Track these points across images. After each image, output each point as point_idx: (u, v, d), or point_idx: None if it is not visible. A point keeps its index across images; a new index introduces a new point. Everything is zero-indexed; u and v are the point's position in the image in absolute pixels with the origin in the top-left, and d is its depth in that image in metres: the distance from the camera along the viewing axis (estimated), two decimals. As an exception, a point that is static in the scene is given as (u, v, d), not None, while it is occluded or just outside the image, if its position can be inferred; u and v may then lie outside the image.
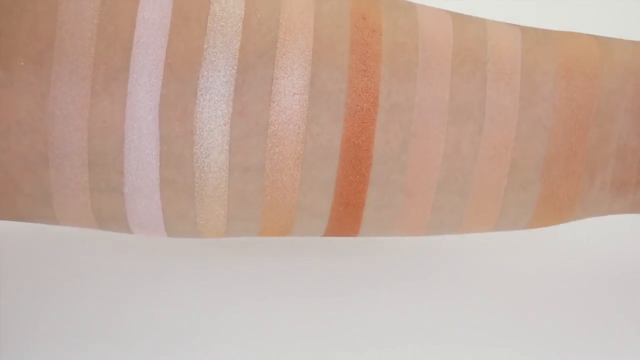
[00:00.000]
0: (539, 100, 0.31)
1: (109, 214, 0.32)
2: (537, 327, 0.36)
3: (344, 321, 0.36)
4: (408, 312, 0.37)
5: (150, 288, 0.38)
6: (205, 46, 0.30)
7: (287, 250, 0.40)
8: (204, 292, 0.38)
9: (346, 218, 0.32)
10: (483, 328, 0.36)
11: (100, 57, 0.30)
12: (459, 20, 0.32)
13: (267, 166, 0.31)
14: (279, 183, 0.31)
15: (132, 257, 0.39)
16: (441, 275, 0.39)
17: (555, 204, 0.32)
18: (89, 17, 0.30)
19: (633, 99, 0.32)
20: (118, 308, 0.37)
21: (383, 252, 0.40)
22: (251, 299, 0.37)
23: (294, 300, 0.37)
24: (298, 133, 0.31)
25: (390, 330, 0.36)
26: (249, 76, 0.30)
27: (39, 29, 0.30)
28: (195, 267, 0.39)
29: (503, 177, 0.32)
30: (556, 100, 0.31)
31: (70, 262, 0.39)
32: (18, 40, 0.30)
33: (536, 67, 0.32)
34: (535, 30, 0.33)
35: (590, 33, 0.33)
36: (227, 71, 0.30)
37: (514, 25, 0.33)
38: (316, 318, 0.37)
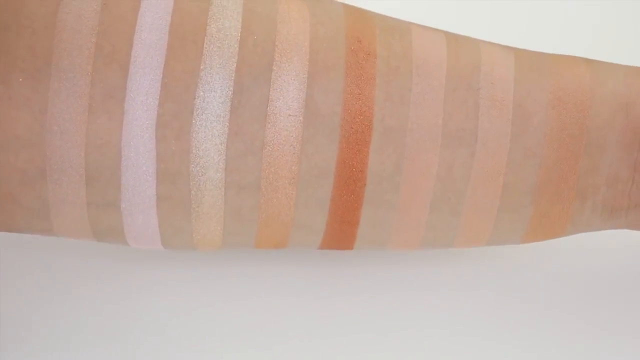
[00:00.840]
0: (530, 129, 0.32)
1: (106, 227, 0.33)
2: (538, 328, 0.37)
3: (344, 325, 0.37)
4: (408, 313, 0.37)
5: (147, 291, 0.38)
6: (201, 67, 0.30)
7: (286, 254, 0.40)
8: (202, 293, 0.38)
9: (341, 234, 0.33)
10: (484, 329, 0.37)
11: (98, 75, 0.30)
12: (454, 43, 0.33)
13: (262, 185, 0.31)
14: (275, 201, 0.32)
15: (129, 260, 0.40)
16: (441, 277, 0.39)
17: (547, 224, 0.33)
18: (87, 35, 0.30)
19: (623, 132, 0.32)
20: (116, 311, 0.37)
21: (382, 256, 0.40)
22: (250, 300, 0.38)
23: (292, 302, 0.38)
24: (293, 153, 0.31)
25: (390, 332, 0.37)
26: (244, 97, 0.31)
27: (37, 46, 0.30)
28: (193, 269, 0.39)
29: (495, 199, 0.32)
30: (547, 130, 0.32)
31: (68, 265, 0.39)
32: (16, 57, 0.30)
33: (528, 97, 0.32)
34: (529, 55, 0.33)
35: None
36: (223, 92, 0.31)
37: (507, 48, 0.33)
38: (315, 321, 0.37)
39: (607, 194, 0.33)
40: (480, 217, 0.33)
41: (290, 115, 0.31)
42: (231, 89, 0.31)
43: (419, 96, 0.31)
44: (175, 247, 0.34)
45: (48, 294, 0.38)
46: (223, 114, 0.31)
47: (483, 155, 0.32)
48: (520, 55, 0.33)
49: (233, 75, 0.31)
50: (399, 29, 0.32)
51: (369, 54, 0.31)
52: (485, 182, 0.32)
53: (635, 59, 0.36)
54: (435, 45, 0.32)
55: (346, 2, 0.34)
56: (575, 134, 0.32)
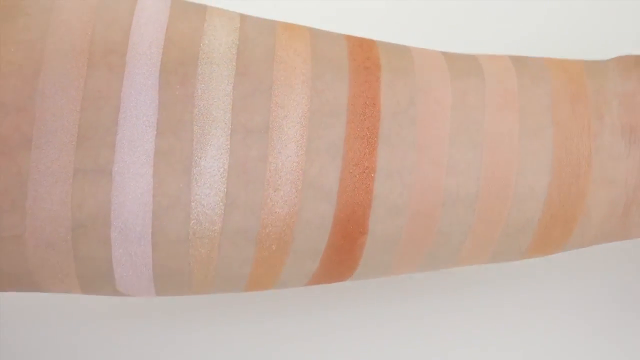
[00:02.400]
0: (529, 62, 0.33)
1: (91, 209, 0.29)
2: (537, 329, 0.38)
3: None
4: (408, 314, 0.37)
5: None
6: (205, 25, 0.31)
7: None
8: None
9: (356, 193, 0.30)
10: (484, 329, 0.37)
11: (98, 34, 0.30)
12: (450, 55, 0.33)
13: (270, 125, 0.30)
14: (283, 150, 0.30)
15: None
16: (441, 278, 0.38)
17: (572, 152, 0.31)
18: (86, 2, 0.30)
19: (617, 60, 0.33)
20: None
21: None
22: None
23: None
24: (302, 89, 0.30)
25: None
26: (250, 45, 0.31)
27: (33, 24, 0.30)
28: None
29: (515, 122, 0.31)
30: (547, 61, 0.33)
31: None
32: (9, 34, 0.29)
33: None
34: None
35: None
36: (228, 39, 0.30)
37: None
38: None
39: (620, 109, 0.32)
40: (502, 147, 0.31)
41: (298, 55, 0.31)
42: (237, 36, 0.31)
43: (418, 49, 0.33)
44: (166, 234, 0.30)
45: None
46: (229, 57, 0.30)
47: (493, 81, 0.32)
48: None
49: (238, 31, 0.31)
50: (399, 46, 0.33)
51: (371, 45, 0.32)
52: (501, 105, 0.31)
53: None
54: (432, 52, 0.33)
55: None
56: (574, 63, 0.33)
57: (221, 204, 0.30)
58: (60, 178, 0.29)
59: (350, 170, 0.30)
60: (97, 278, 0.31)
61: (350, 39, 0.32)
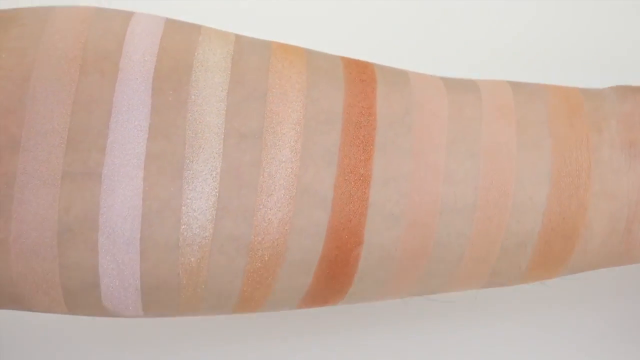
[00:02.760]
0: (525, 84, 0.33)
1: (78, 214, 0.28)
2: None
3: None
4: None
5: None
6: (200, 37, 0.31)
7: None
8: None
9: (351, 200, 0.29)
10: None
11: (92, 43, 0.30)
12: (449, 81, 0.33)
13: (264, 131, 0.29)
14: (278, 154, 0.29)
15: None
16: None
17: (571, 165, 0.31)
18: (84, 11, 0.30)
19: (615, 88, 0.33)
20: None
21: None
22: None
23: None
24: (298, 97, 0.30)
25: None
26: (246, 54, 0.30)
27: (26, 34, 0.30)
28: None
29: (512, 134, 0.31)
30: (545, 87, 0.33)
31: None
32: (4, 37, 0.29)
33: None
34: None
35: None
36: (223, 47, 0.30)
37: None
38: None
39: (619, 126, 0.31)
40: (500, 157, 0.30)
41: (293, 66, 0.30)
42: (232, 48, 0.31)
43: (415, 73, 0.32)
44: (156, 249, 0.29)
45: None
46: (224, 66, 0.30)
47: (489, 96, 0.31)
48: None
49: (233, 41, 0.31)
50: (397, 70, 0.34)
51: (366, 63, 0.32)
52: (499, 117, 0.31)
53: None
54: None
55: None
56: (571, 89, 0.33)
57: (212, 208, 0.29)
58: (48, 181, 0.28)
59: (346, 178, 0.29)
60: (82, 290, 0.30)
61: (345, 58, 0.32)
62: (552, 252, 0.31)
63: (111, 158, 0.28)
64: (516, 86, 0.33)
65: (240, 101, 0.29)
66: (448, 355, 0.38)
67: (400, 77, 0.32)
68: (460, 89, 0.32)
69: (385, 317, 0.39)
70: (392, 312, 0.38)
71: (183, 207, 0.29)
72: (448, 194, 0.30)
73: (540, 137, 0.31)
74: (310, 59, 0.31)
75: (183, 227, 0.29)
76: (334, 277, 0.30)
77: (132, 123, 0.29)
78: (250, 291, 0.30)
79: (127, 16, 0.31)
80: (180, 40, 0.30)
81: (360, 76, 0.31)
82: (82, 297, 0.30)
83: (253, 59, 0.30)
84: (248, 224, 0.29)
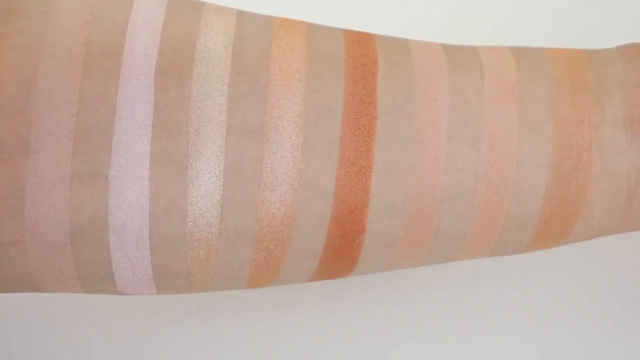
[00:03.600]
0: (530, 52, 0.33)
1: (88, 214, 0.29)
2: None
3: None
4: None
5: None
6: (201, 23, 0.31)
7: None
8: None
9: (352, 193, 0.30)
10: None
11: (94, 36, 0.30)
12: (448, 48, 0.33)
13: (266, 126, 0.29)
14: (279, 150, 0.29)
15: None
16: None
17: (572, 147, 0.31)
18: (84, 3, 0.30)
19: (621, 48, 0.33)
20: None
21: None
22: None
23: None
24: (298, 88, 0.30)
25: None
26: (247, 42, 0.30)
27: (31, 28, 0.30)
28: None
29: (513, 118, 0.31)
30: (548, 52, 0.32)
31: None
32: (7, 38, 0.29)
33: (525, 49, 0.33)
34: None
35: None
36: (225, 37, 0.30)
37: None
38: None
39: (623, 102, 0.31)
40: (501, 142, 0.30)
41: (294, 53, 0.30)
42: (232, 35, 0.30)
43: (417, 42, 0.32)
44: (164, 239, 0.30)
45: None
46: (225, 57, 0.30)
47: (492, 76, 0.31)
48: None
49: (234, 25, 0.31)
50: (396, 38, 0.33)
51: (368, 39, 0.32)
52: (500, 100, 0.31)
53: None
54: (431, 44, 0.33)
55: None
56: (576, 53, 0.32)
57: (217, 205, 0.30)
58: (58, 183, 0.29)
59: (347, 169, 0.30)
60: (98, 280, 0.31)
61: (348, 33, 0.32)
62: (551, 232, 0.32)
63: (117, 158, 0.29)
64: (519, 57, 0.32)
65: (241, 95, 0.30)
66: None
67: (402, 53, 0.32)
68: (462, 65, 0.32)
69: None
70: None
71: (189, 206, 0.29)
72: (449, 182, 0.30)
73: (542, 118, 0.31)
74: (311, 41, 0.31)
75: (190, 224, 0.30)
76: (339, 261, 0.31)
77: (135, 122, 0.29)
78: (258, 275, 0.31)
79: (129, 1, 0.31)
80: (182, 27, 0.30)
81: (362, 59, 0.31)
82: (98, 285, 0.31)
83: (254, 46, 0.30)
84: (253, 218, 0.30)
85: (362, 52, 0.31)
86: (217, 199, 0.30)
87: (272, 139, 0.30)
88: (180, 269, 0.31)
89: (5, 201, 0.29)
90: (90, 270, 0.30)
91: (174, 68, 0.30)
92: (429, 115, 0.30)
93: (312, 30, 0.32)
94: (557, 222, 0.32)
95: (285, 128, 0.30)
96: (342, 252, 0.31)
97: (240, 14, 0.32)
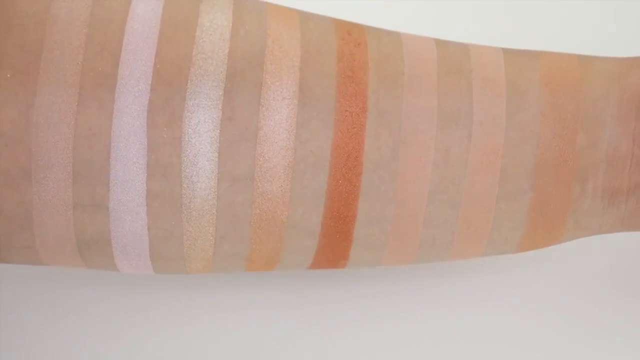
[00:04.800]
0: (525, 105, 0.31)
1: (93, 234, 0.31)
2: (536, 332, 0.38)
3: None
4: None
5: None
6: (193, 52, 0.30)
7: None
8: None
9: (337, 235, 0.32)
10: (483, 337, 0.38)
11: (88, 64, 0.30)
12: (441, 41, 0.33)
13: (256, 174, 0.31)
14: (269, 194, 0.31)
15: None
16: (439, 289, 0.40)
17: (547, 215, 0.32)
18: (78, 27, 0.30)
19: (619, 105, 0.32)
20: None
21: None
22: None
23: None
24: (288, 139, 0.30)
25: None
26: (237, 80, 0.30)
27: (27, 42, 0.30)
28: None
29: (494, 184, 0.31)
30: (542, 106, 0.32)
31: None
32: (5, 54, 0.30)
33: (520, 75, 0.32)
34: (515, 49, 0.33)
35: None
36: (216, 75, 0.30)
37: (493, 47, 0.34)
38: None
39: (607, 173, 0.32)
40: (479, 208, 0.32)
41: (284, 98, 0.31)
42: (224, 72, 0.30)
43: (412, 79, 0.31)
44: (163, 260, 0.32)
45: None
46: (216, 98, 0.30)
47: (480, 136, 0.31)
48: (507, 50, 0.33)
49: (226, 59, 0.30)
50: (386, 29, 0.33)
51: (359, 44, 0.31)
52: (483, 165, 0.31)
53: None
54: (423, 39, 0.33)
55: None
56: (570, 110, 0.31)
57: (211, 238, 0.32)
58: (61, 210, 0.31)
59: (332, 217, 0.31)
60: (103, 267, 0.33)
61: (341, 67, 0.31)
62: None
63: (115, 194, 0.31)
64: (512, 106, 0.32)
65: (231, 142, 0.30)
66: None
67: (393, 96, 0.31)
68: (452, 119, 0.31)
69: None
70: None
71: (184, 237, 0.32)
72: (427, 235, 0.32)
73: (522, 189, 0.32)
74: (303, 79, 0.31)
75: (186, 249, 0.32)
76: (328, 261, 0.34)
77: (131, 160, 0.30)
78: (254, 270, 0.34)
79: (123, 15, 0.30)
80: (174, 56, 0.30)
81: (351, 107, 0.31)
82: (103, 269, 0.34)
83: (244, 92, 0.30)
84: (245, 249, 0.32)
85: (352, 92, 0.31)
86: (212, 232, 0.31)
87: (261, 186, 0.31)
88: (180, 271, 0.33)
89: (14, 219, 0.31)
90: (96, 267, 0.33)
91: (166, 107, 0.30)
92: (412, 175, 0.31)
93: (304, 64, 0.31)
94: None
95: (274, 177, 0.31)
96: (329, 261, 0.33)
97: (233, 38, 0.31)
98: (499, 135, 0.31)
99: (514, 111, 0.32)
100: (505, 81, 0.31)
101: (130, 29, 0.30)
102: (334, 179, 0.31)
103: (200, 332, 0.38)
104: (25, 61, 0.30)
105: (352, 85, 0.31)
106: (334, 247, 0.32)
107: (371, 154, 0.31)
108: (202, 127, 0.30)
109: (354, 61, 0.31)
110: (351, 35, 0.32)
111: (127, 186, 0.30)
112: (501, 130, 0.31)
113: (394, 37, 0.32)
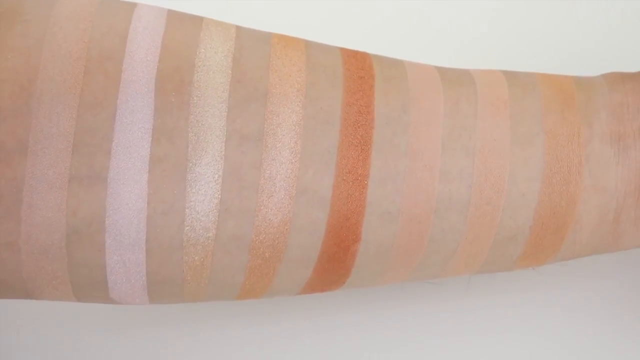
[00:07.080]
0: (520, 75, 0.34)
1: (85, 216, 0.29)
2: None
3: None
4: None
5: None
6: (202, 34, 0.31)
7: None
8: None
9: (349, 201, 0.30)
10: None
11: (95, 42, 0.30)
12: (443, 68, 0.34)
13: (265, 133, 0.30)
14: (278, 156, 0.30)
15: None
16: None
17: (562, 161, 0.32)
18: (85, 14, 0.31)
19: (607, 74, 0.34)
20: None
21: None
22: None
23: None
24: (297, 97, 0.30)
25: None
26: (246, 52, 0.31)
27: (31, 27, 0.30)
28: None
29: (506, 130, 0.31)
30: (538, 74, 0.34)
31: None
32: (7, 42, 0.30)
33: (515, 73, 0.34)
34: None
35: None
36: (225, 47, 0.31)
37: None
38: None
39: (609, 117, 0.32)
40: (494, 154, 0.31)
41: (293, 64, 0.31)
42: (233, 45, 0.31)
43: (411, 62, 0.33)
44: (160, 243, 0.30)
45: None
46: (225, 65, 0.30)
47: (485, 92, 0.32)
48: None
49: (234, 36, 0.31)
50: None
51: (364, 57, 0.33)
52: (493, 114, 0.32)
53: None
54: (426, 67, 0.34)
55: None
56: (564, 75, 0.33)
57: (215, 210, 0.30)
58: (55, 185, 0.29)
59: (344, 178, 0.30)
60: (90, 285, 0.31)
61: (344, 50, 0.33)
62: (542, 245, 0.32)
63: (116, 161, 0.29)
64: (511, 77, 0.33)
65: (241, 102, 0.30)
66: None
67: (397, 69, 0.33)
68: (456, 81, 0.33)
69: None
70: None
71: (186, 210, 0.30)
72: (443, 192, 0.31)
73: (534, 132, 0.32)
74: (309, 54, 0.32)
75: (187, 228, 0.30)
76: (333, 271, 0.32)
77: (136, 125, 0.29)
78: (252, 284, 0.32)
79: (129, 10, 0.31)
80: (182, 36, 0.31)
81: (359, 72, 0.32)
82: (90, 291, 0.31)
83: (253, 56, 0.31)
84: (249, 224, 0.30)
85: (359, 66, 0.32)
86: (215, 203, 0.30)
87: (270, 145, 0.30)
88: (174, 275, 0.31)
89: (1, 202, 0.29)
90: (83, 275, 0.30)
91: (175, 74, 0.30)
92: (424, 126, 0.31)
93: (309, 45, 0.32)
94: (547, 235, 0.32)
95: (284, 135, 0.30)
96: (337, 260, 0.31)
97: (239, 28, 0.32)
98: (502, 90, 0.32)
99: (512, 77, 0.33)
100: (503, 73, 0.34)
101: (137, 16, 0.31)
102: (346, 135, 0.30)
103: (201, 332, 0.36)
104: (28, 45, 0.30)
105: (356, 58, 0.32)
106: (346, 221, 0.31)
107: (382, 109, 0.31)
108: (211, 90, 0.30)
109: (356, 52, 0.33)
110: (356, 56, 0.33)
111: (130, 152, 0.29)
112: (504, 86, 0.32)
113: (397, 61, 0.34)
